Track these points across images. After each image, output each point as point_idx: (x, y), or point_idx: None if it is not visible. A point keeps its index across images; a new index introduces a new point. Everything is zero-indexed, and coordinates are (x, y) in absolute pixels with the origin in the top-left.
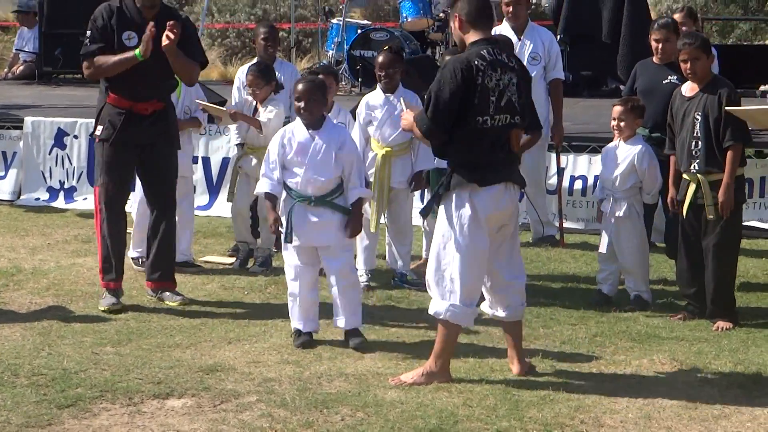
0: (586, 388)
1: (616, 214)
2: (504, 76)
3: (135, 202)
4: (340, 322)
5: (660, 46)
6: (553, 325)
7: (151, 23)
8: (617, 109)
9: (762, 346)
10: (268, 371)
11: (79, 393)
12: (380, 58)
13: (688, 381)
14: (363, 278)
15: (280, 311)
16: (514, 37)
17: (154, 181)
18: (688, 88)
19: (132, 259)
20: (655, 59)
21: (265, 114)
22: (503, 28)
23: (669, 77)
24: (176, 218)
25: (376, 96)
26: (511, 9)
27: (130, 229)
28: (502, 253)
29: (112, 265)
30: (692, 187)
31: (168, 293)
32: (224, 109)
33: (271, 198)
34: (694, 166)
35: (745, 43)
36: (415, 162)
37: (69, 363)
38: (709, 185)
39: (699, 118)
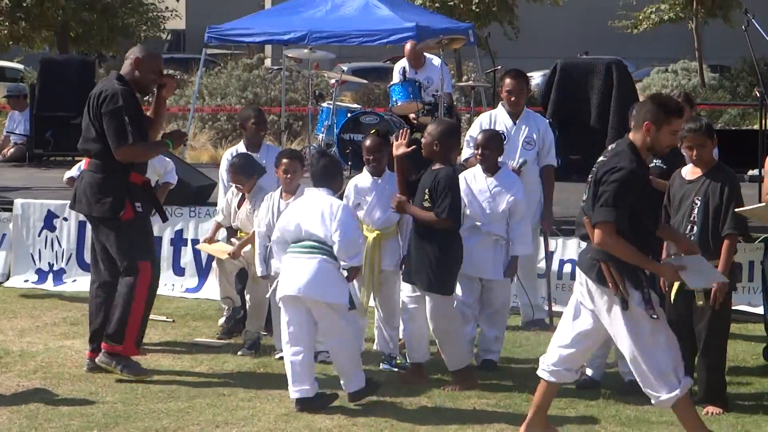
0: None
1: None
2: None
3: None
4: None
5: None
6: None
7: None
8: None
9: (751, 431)
10: None
11: None
12: (367, 142)
13: None
14: None
15: (269, 395)
16: (509, 122)
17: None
18: (689, 171)
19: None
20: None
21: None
22: (499, 112)
23: (654, 161)
24: None
25: (364, 179)
26: (513, 98)
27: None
28: None
29: (140, 338)
30: None
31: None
32: (224, 250)
33: None
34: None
35: (733, 128)
36: (512, 247)
37: None
38: None
39: (698, 203)
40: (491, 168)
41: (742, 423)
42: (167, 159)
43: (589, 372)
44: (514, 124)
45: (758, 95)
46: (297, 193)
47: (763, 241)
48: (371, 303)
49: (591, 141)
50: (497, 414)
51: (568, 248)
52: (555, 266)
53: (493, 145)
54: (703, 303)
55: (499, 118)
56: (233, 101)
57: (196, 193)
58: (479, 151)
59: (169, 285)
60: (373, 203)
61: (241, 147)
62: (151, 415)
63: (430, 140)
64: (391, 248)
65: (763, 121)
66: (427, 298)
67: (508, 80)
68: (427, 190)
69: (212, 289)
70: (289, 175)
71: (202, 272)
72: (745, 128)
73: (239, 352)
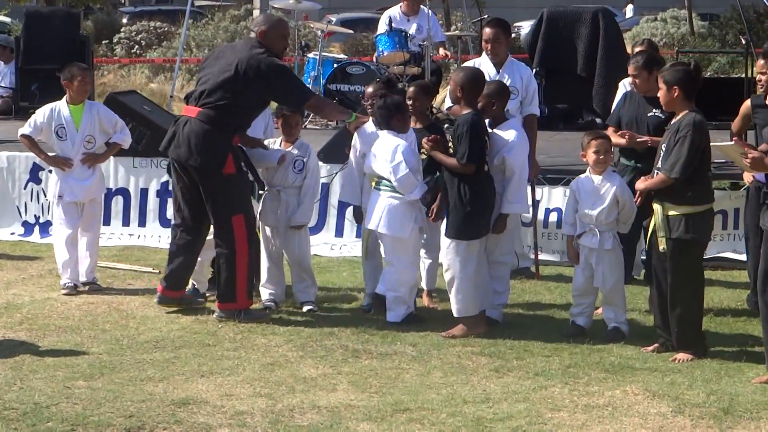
0: (559, 420)
1: (605, 247)
2: None
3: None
4: None
5: (635, 80)
6: (526, 357)
7: None
8: (601, 143)
9: (734, 376)
10: (241, 404)
11: (50, 427)
12: (369, 89)
13: (661, 411)
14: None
15: (254, 345)
16: (493, 70)
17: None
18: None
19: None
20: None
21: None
22: (483, 62)
23: (654, 110)
24: (84, 239)
25: (371, 128)
26: (489, 46)
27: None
28: None
29: (252, 288)
30: (654, 217)
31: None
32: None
33: None
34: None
35: (722, 76)
36: (502, 203)
37: (40, 397)
38: (664, 217)
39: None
40: (498, 120)
41: (726, 369)
42: (119, 120)
43: (578, 320)
44: (498, 72)
45: (745, 43)
46: (297, 143)
47: (747, 189)
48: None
49: (577, 90)
50: (482, 362)
51: (554, 197)
52: (541, 215)
53: (497, 97)
54: (665, 249)
55: (482, 67)
56: None
57: None
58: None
59: (155, 236)
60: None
61: None
62: (136, 365)
63: (453, 87)
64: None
65: (750, 69)
66: (442, 241)
67: (486, 29)
68: (451, 137)
69: None
70: (281, 122)
71: None
72: (734, 76)
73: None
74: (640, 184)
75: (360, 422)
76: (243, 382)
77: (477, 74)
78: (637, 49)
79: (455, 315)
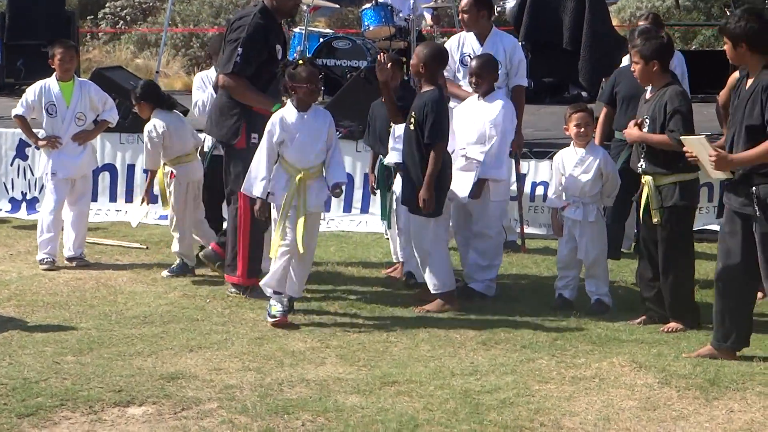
0: (546, 391)
1: (588, 220)
2: None
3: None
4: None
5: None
6: (513, 329)
7: None
8: (583, 116)
9: None
10: (230, 378)
11: (39, 402)
12: (303, 73)
13: (647, 383)
14: None
15: (242, 319)
16: (476, 44)
17: None
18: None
19: (67, 259)
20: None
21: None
22: (467, 35)
23: None
24: (72, 214)
25: (290, 113)
26: (466, 17)
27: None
28: None
29: (256, 266)
30: (646, 190)
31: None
32: None
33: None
34: (641, 166)
35: (707, 49)
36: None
37: (30, 372)
38: (655, 189)
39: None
40: (486, 93)
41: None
42: (109, 98)
43: (565, 293)
44: (481, 45)
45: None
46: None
47: None
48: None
49: (563, 64)
50: (469, 335)
51: (541, 171)
52: (527, 189)
53: (485, 71)
54: (657, 220)
55: (467, 40)
56: (206, 27)
57: None
58: (473, 79)
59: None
60: (300, 140)
61: (212, 72)
62: (125, 340)
63: (416, 62)
64: (318, 187)
65: None
66: (411, 219)
67: (462, 1)
68: (413, 111)
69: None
70: None
71: None
72: (719, 49)
73: (164, 273)
74: (634, 131)
75: (348, 395)
76: (232, 357)
77: (440, 50)
78: (641, 24)
79: (432, 291)
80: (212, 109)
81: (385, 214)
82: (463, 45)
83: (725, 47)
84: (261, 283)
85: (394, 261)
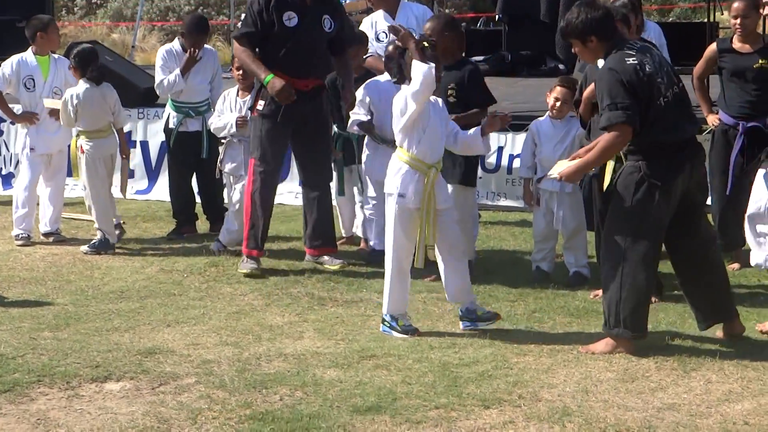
0: (525, 364)
1: (565, 191)
2: None
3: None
4: None
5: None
6: (491, 302)
7: None
8: (563, 91)
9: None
10: (207, 353)
11: (16, 378)
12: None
13: (625, 355)
14: None
15: (220, 293)
16: (389, 19)
17: (307, 156)
18: None
19: (43, 234)
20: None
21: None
22: (378, 14)
23: None
24: (48, 190)
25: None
26: None
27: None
28: None
29: (258, 235)
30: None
31: (327, 257)
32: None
33: None
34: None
35: (684, 21)
36: None
37: (6, 348)
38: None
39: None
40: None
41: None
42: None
43: (542, 266)
44: (393, 19)
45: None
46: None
47: (711, 132)
48: None
49: (540, 37)
50: (447, 308)
51: (518, 143)
52: (505, 161)
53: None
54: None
55: (378, 18)
56: (182, 2)
57: (144, 94)
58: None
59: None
60: (432, 127)
61: (176, 44)
62: (102, 315)
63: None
64: (442, 183)
65: (713, 14)
66: (455, 190)
67: None
68: (453, 84)
69: (162, 191)
70: (241, 72)
71: (152, 174)
72: (696, 21)
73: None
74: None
75: (327, 369)
76: (209, 331)
77: (449, 21)
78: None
79: (469, 259)
80: None
81: (342, 189)
82: (376, 23)
83: (575, 50)
84: (450, 299)
85: (344, 234)
